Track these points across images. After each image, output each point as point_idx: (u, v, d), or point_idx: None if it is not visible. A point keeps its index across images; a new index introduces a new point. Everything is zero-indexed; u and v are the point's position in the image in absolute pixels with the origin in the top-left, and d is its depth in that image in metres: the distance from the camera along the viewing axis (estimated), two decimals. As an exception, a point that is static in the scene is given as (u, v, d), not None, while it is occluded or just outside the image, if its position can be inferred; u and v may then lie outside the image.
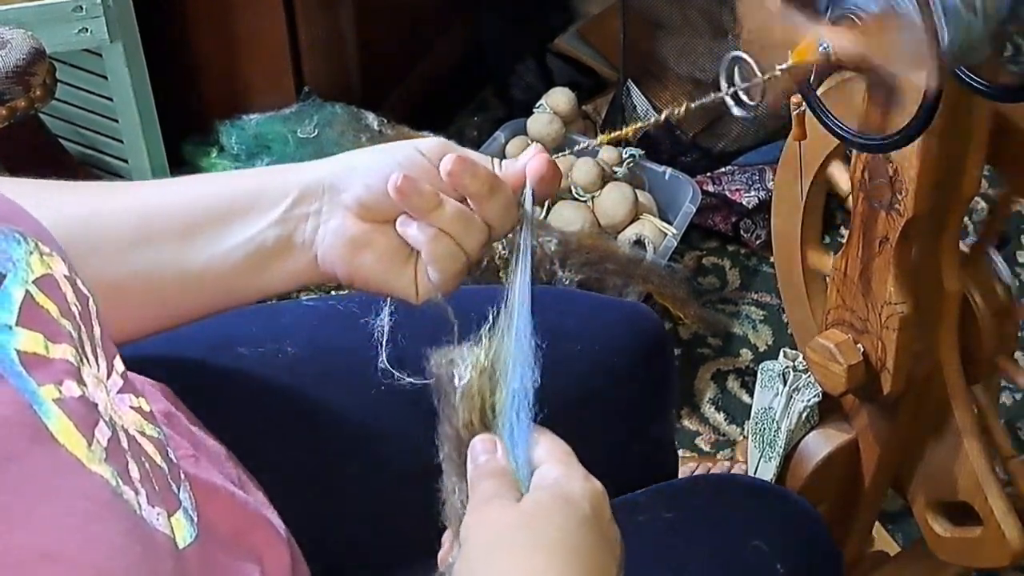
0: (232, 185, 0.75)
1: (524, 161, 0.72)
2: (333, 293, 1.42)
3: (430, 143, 0.73)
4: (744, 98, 0.76)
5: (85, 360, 0.55)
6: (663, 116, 0.76)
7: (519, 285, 0.70)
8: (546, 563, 0.60)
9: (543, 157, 0.73)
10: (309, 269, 0.74)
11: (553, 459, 0.65)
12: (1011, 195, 1.06)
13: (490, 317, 0.69)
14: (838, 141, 0.93)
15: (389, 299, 0.77)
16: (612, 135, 0.78)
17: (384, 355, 0.78)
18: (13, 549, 0.45)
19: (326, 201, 0.73)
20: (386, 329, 0.78)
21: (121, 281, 0.73)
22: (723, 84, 0.76)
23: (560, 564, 0.60)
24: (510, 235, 0.73)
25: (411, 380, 0.75)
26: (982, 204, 2.06)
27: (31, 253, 0.55)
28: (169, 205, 0.74)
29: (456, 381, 0.67)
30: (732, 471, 1.57)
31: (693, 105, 0.75)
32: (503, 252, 1.59)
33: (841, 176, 1.05)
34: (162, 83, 1.76)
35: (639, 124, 0.79)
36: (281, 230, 0.73)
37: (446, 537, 0.68)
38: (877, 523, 1.39)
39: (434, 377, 0.69)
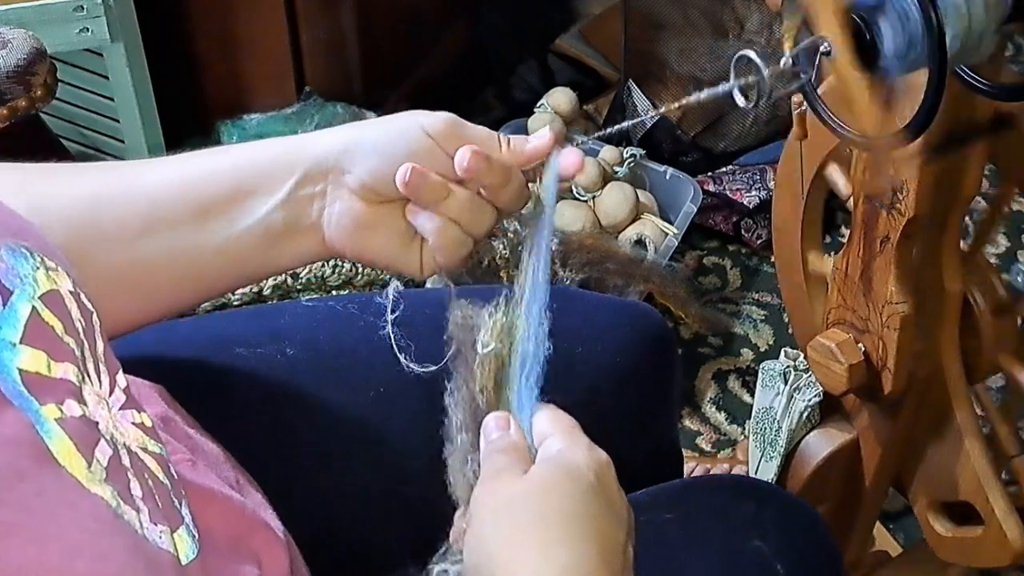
0: (235, 164, 0.74)
1: (535, 142, 0.73)
2: (333, 293, 1.42)
3: (436, 121, 0.72)
4: (740, 98, 0.75)
5: (87, 378, 0.55)
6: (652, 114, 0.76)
7: (537, 263, 0.71)
8: (554, 532, 0.61)
9: (574, 152, 0.74)
10: (318, 248, 0.74)
11: (558, 431, 0.66)
12: (1010, 193, 1.06)
13: (505, 293, 0.70)
14: (839, 140, 0.93)
15: (393, 282, 0.79)
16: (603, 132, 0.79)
17: (392, 333, 0.80)
18: (24, 566, 0.45)
19: (331, 182, 0.73)
20: (389, 308, 0.80)
21: (132, 268, 0.73)
22: (732, 80, 0.75)
23: (567, 532, 0.61)
24: (521, 228, 0.74)
25: (416, 367, 0.76)
26: (983, 204, 2.06)
27: (37, 268, 0.54)
28: (176, 188, 0.73)
29: (478, 346, 0.68)
30: (732, 471, 1.57)
31: (702, 96, 0.75)
32: (503, 252, 1.59)
33: (839, 179, 1.05)
34: (163, 83, 1.76)
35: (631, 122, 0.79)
36: (288, 212, 0.73)
37: (458, 515, 0.68)
38: (878, 523, 1.38)
39: (451, 338, 0.70)
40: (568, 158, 0.74)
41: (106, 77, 1.69)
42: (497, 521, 0.62)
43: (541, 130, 0.75)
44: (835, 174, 1.06)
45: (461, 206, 0.71)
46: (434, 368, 0.74)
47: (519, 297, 0.70)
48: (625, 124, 0.79)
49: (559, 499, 0.62)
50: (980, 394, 1.11)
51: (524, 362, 0.69)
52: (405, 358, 0.79)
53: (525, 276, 0.71)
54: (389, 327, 0.81)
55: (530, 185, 0.74)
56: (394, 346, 0.80)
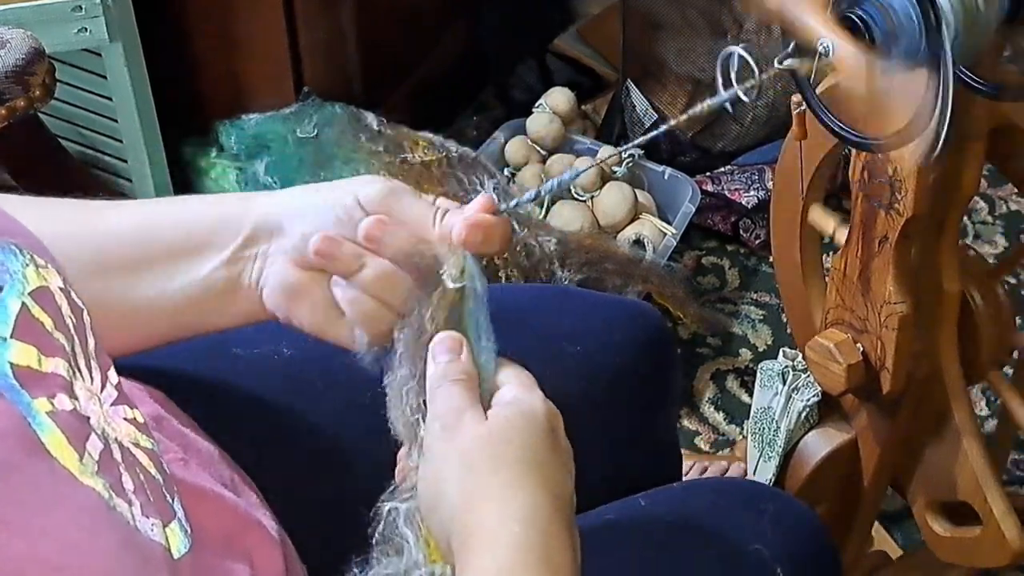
0: (187, 218, 0.74)
1: (470, 210, 0.69)
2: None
3: (372, 191, 0.70)
4: (743, 96, 0.75)
5: (78, 373, 0.55)
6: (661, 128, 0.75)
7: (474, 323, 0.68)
8: (513, 478, 0.62)
9: (476, 219, 0.68)
10: (256, 309, 0.73)
11: (516, 381, 0.67)
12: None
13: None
14: (837, 140, 0.93)
15: None
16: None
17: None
18: (15, 559, 0.45)
19: (273, 242, 0.72)
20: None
21: None
22: (719, 80, 0.75)
23: (523, 477, 0.62)
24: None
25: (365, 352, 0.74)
26: (982, 204, 2.06)
27: (27, 265, 0.55)
28: (123, 235, 0.73)
29: (446, 281, 0.68)
30: (729, 469, 1.57)
31: (698, 109, 0.75)
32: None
33: (824, 220, 1.06)
34: (162, 83, 1.76)
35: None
36: (229, 271, 0.72)
37: (402, 452, 0.68)
38: (876, 523, 1.39)
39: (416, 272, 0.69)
40: (460, 225, 0.68)
41: (104, 77, 1.69)
42: (457, 463, 0.63)
43: (475, 202, 0.70)
44: (820, 219, 1.06)
45: (373, 278, 0.69)
46: (375, 350, 0.73)
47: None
48: (641, 139, 0.78)
49: (518, 446, 0.63)
50: (992, 379, 1.10)
51: (480, 300, 0.68)
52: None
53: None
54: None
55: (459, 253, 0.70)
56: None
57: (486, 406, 0.66)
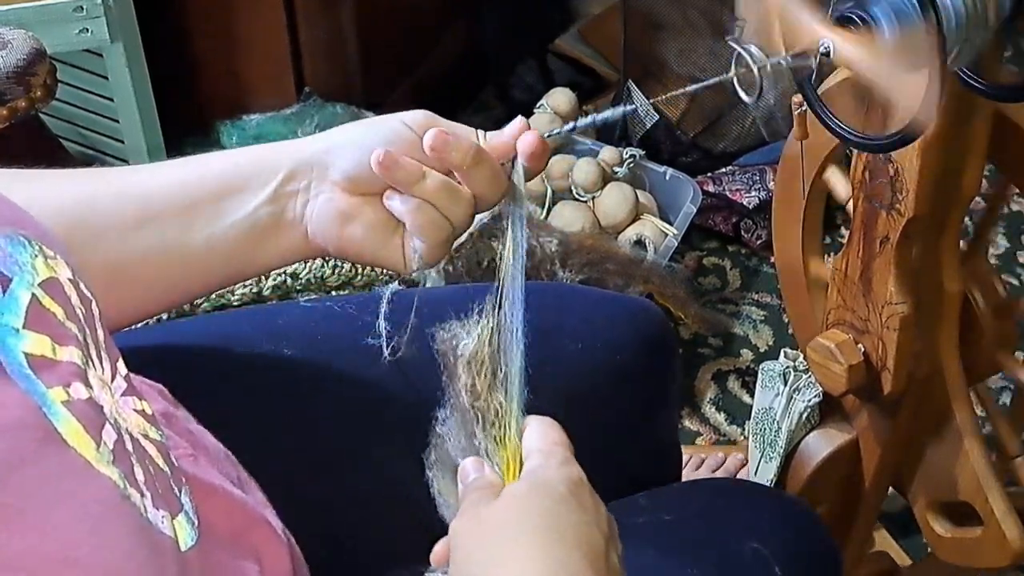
0: (224, 165, 0.77)
1: (510, 132, 0.75)
2: (332, 294, 1.42)
3: (415, 115, 0.75)
4: (741, 91, 0.75)
5: (91, 363, 0.55)
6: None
7: (512, 260, 0.72)
8: (530, 545, 0.62)
9: (533, 133, 0.75)
10: (301, 244, 0.76)
11: (536, 449, 0.67)
12: (1008, 191, 1.06)
13: (488, 300, 0.71)
14: (838, 141, 0.93)
15: (388, 290, 0.80)
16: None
17: (384, 327, 0.83)
18: (27, 553, 0.45)
19: (315, 177, 0.75)
20: (383, 312, 0.83)
21: (126, 263, 0.75)
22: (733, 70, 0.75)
23: (547, 540, 0.62)
24: (504, 223, 0.75)
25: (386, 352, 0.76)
26: (983, 204, 2.06)
27: (36, 256, 0.55)
28: (166, 187, 0.76)
29: (459, 349, 0.70)
30: (726, 460, 1.57)
31: (699, 87, 0.75)
32: (503, 252, 1.59)
33: (839, 181, 1.05)
34: (162, 83, 1.76)
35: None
36: (273, 208, 0.75)
37: (441, 542, 0.68)
38: (877, 523, 1.38)
39: (439, 353, 0.71)
40: (524, 140, 0.75)
41: (106, 77, 1.69)
42: (478, 544, 0.63)
43: (515, 120, 0.76)
44: (834, 177, 1.06)
45: (436, 188, 0.73)
46: (401, 352, 0.79)
47: (500, 298, 0.71)
48: (609, 113, 0.79)
49: (534, 513, 0.63)
50: (981, 394, 1.11)
51: (511, 363, 0.70)
52: (387, 347, 0.82)
53: (504, 272, 0.72)
54: (381, 320, 0.84)
55: (511, 178, 0.76)
56: (384, 339, 0.84)
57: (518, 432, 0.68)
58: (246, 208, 0.75)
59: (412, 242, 0.75)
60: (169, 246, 0.75)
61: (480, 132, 0.76)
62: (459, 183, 0.75)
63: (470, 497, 0.67)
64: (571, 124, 0.79)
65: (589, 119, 0.79)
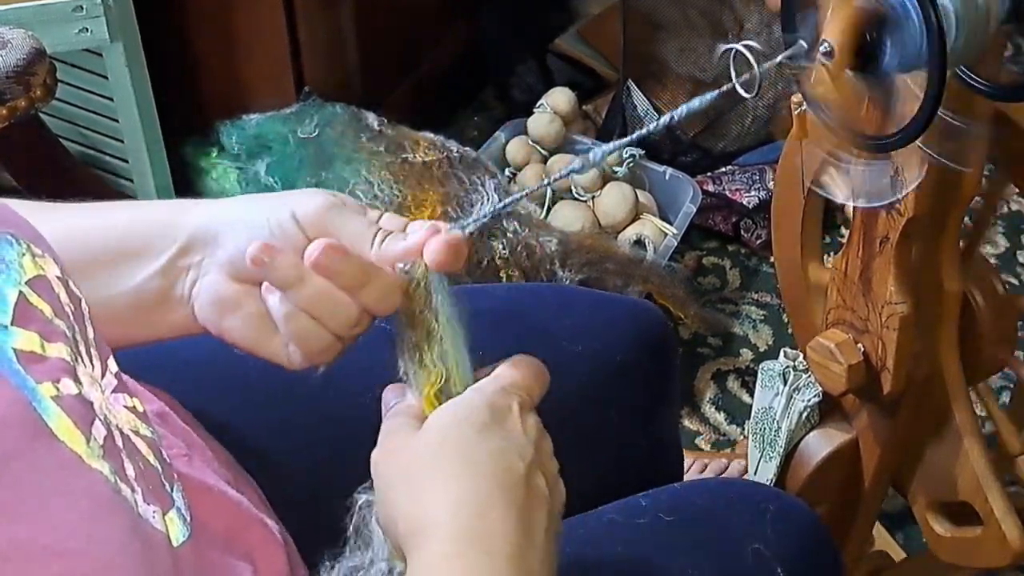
0: (128, 223, 0.72)
1: (412, 241, 0.68)
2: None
3: (311, 207, 0.69)
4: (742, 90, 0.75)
5: (80, 359, 0.55)
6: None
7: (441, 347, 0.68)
8: (444, 472, 0.63)
9: (441, 240, 0.67)
10: (189, 323, 0.71)
11: (479, 384, 0.67)
12: (1004, 187, 1.06)
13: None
14: (838, 141, 0.92)
15: None
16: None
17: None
18: (19, 544, 0.46)
19: (207, 255, 0.70)
20: None
21: None
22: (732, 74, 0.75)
23: (457, 469, 0.63)
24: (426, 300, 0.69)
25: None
26: (982, 204, 2.06)
27: (23, 255, 0.55)
28: (70, 239, 0.70)
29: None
30: (729, 466, 1.57)
31: (707, 99, 0.74)
32: (503, 252, 1.59)
33: (836, 185, 1.05)
34: (162, 83, 1.76)
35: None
36: (162, 282, 0.70)
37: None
38: (877, 523, 1.38)
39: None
40: (432, 248, 0.67)
41: (105, 77, 1.69)
42: (397, 474, 0.64)
43: (419, 223, 0.69)
44: (831, 181, 1.06)
45: (312, 298, 0.67)
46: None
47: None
48: (641, 133, 0.75)
49: (450, 442, 0.64)
50: (982, 393, 1.11)
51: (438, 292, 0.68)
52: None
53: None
54: None
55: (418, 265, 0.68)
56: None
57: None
58: (136, 278, 0.70)
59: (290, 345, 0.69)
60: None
61: (380, 234, 0.68)
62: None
63: (387, 424, 0.67)
64: (488, 209, 0.71)
65: (518, 195, 0.75)
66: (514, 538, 0.62)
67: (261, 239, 0.67)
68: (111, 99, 1.73)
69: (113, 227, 0.72)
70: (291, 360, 0.69)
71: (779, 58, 0.74)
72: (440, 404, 0.67)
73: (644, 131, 0.74)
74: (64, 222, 0.72)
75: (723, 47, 0.73)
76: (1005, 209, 2.05)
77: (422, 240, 0.67)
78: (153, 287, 0.70)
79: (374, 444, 0.67)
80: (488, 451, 0.64)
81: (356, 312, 0.67)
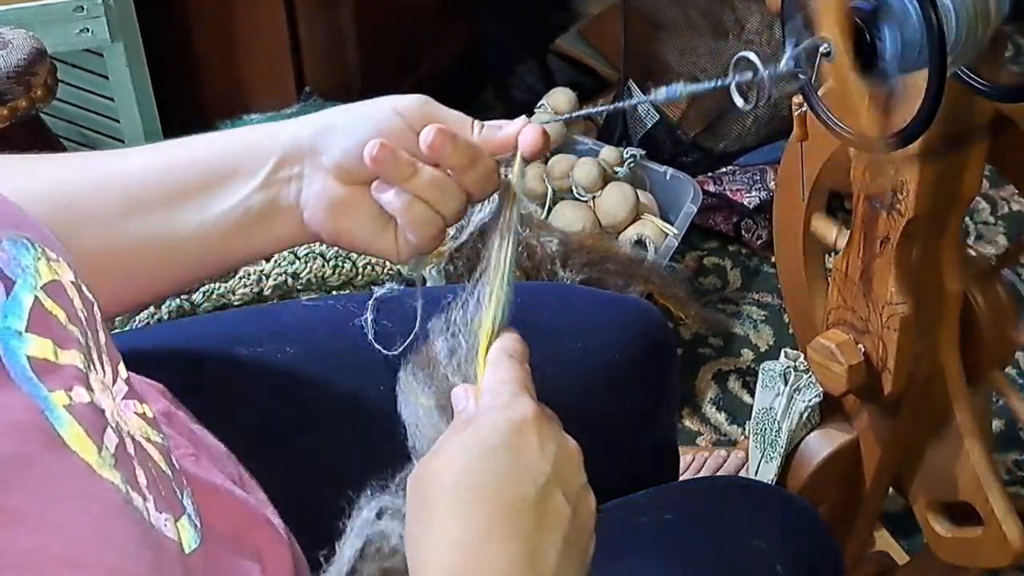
0: (211, 150, 0.75)
1: (509, 130, 0.73)
2: (334, 293, 1.42)
3: (408, 101, 0.73)
4: (739, 99, 0.75)
5: (92, 366, 0.55)
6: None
7: (502, 252, 0.71)
8: (442, 507, 0.61)
9: (535, 130, 0.74)
10: (296, 231, 0.75)
11: (485, 390, 0.66)
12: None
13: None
14: (839, 141, 0.93)
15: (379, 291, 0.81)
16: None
17: (372, 320, 0.84)
18: (33, 552, 0.45)
19: (307, 163, 0.73)
20: (370, 320, 0.85)
21: (110, 252, 0.73)
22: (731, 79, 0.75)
23: (454, 503, 0.61)
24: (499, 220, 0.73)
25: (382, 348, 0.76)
26: (983, 204, 2.06)
27: (39, 259, 0.55)
28: (152, 173, 0.74)
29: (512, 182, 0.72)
30: (728, 459, 1.57)
31: (700, 88, 0.74)
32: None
33: (826, 228, 1.06)
34: (163, 83, 1.76)
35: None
36: (266, 194, 0.73)
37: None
38: (878, 523, 1.38)
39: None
40: (526, 136, 0.73)
41: (106, 77, 1.69)
42: (417, 502, 0.63)
43: (518, 119, 0.75)
44: (822, 227, 1.07)
45: (428, 184, 0.71)
46: (398, 350, 0.77)
47: (482, 291, 0.71)
48: (610, 107, 0.80)
49: (458, 470, 0.62)
50: (996, 378, 1.10)
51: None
52: (379, 343, 0.82)
53: (489, 266, 0.71)
54: (369, 315, 0.85)
55: (502, 172, 0.74)
56: (370, 332, 0.85)
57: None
58: (237, 196, 0.73)
59: (404, 234, 0.74)
60: (154, 235, 0.73)
61: (476, 124, 0.74)
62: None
63: (443, 437, 0.66)
64: (567, 115, 0.82)
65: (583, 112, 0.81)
66: (513, 570, 0.60)
67: (368, 135, 0.71)
68: (112, 99, 1.73)
69: (196, 158, 0.75)
70: (401, 252, 0.74)
71: (782, 64, 0.74)
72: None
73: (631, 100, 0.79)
74: (136, 161, 0.75)
75: (736, 55, 0.73)
76: (1007, 209, 2.05)
77: (517, 130, 0.73)
78: (256, 201, 0.73)
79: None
80: (496, 478, 0.62)
81: (463, 194, 0.72)
